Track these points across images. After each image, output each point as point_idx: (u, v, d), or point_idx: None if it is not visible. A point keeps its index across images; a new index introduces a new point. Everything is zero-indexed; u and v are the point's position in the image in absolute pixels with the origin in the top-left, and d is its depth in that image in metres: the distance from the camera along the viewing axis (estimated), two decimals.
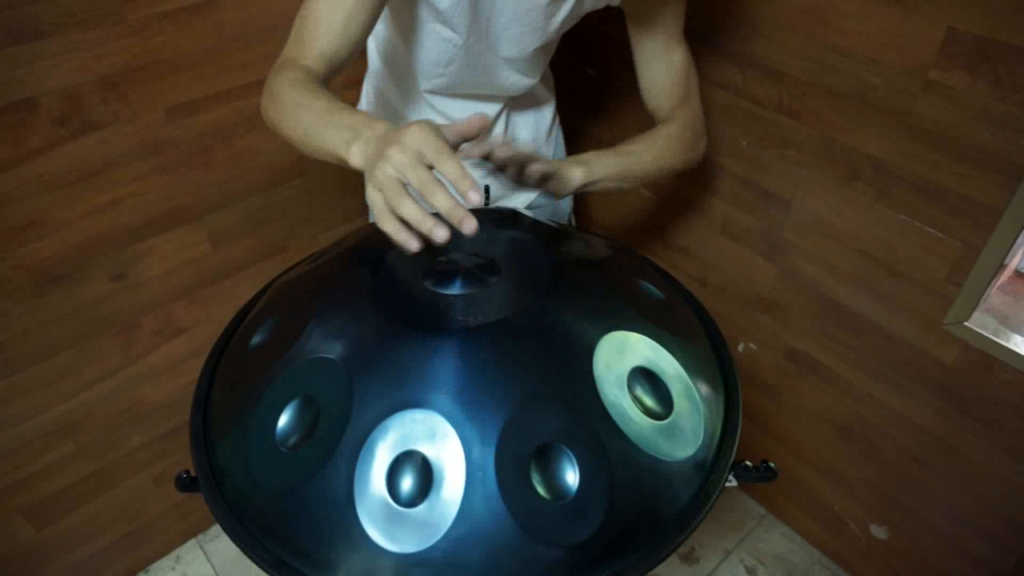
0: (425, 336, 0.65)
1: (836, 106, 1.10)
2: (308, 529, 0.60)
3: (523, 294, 0.71)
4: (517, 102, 1.11)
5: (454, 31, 0.89)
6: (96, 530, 1.41)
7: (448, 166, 0.58)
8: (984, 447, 1.17)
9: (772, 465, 0.76)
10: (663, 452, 0.64)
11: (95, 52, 0.99)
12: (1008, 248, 1.00)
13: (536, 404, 0.62)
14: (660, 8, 0.97)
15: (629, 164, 0.96)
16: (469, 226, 0.57)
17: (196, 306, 1.33)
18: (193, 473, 0.71)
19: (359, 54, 0.87)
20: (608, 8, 0.95)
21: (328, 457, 0.60)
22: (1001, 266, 1.03)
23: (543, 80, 1.11)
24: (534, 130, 1.15)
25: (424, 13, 0.88)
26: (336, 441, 0.60)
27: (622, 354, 0.67)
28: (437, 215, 0.59)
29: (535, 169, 0.86)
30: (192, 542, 1.62)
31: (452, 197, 0.58)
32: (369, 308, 0.69)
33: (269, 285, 0.87)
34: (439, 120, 0.98)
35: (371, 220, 0.79)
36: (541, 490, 0.59)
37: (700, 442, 0.67)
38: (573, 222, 1.33)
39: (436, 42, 0.92)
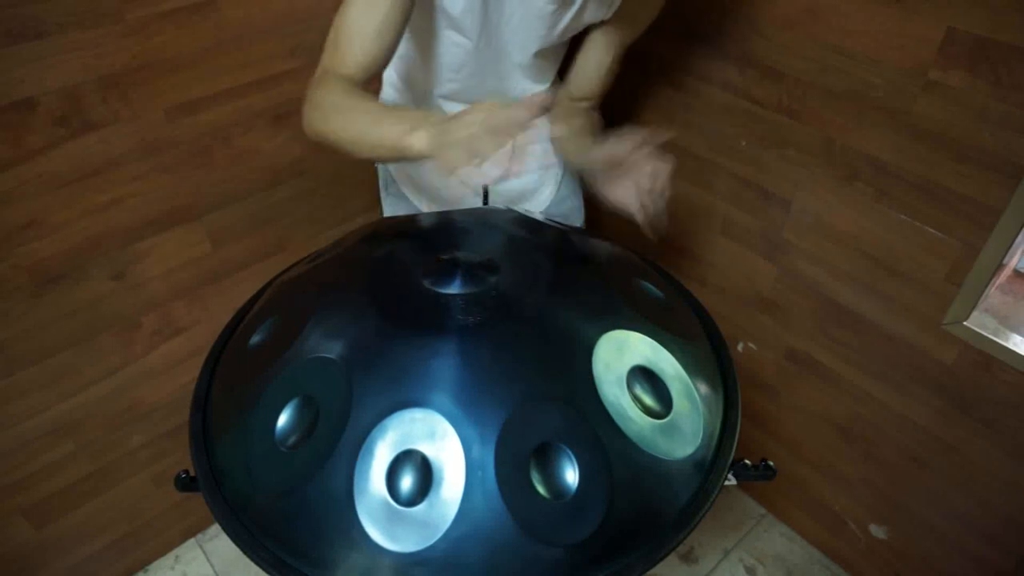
0: (425, 335, 0.65)
1: (836, 106, 1.10)
2: (308, 528, 0.60)
3: (523, 294, 0.71)
4: None
5: (465, 36, 0.91)
6: (96, 530, 1.41)
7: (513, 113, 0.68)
8: (984, 447, 1.17)
9: (771, 464, 0.76)
10: (662, 451, 0.64)
11: (95, 52, 0.99)
12: (1007, 248, 1.00)
13: (536, 403, 0.62)
14: (641, 11, 0.99)
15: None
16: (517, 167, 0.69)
17: (196, 306, 1.33)
18: (193, 473, 0.71)
19: None
20: None
21: (328, 456, 0.60)
22: (1000, 266, 1.03)
23: (553, 87, 1.12)
24: (540, 137, 1.16)
25: (437, 19, 0.90)
26: (336, 440, 0.60)
27: (622, 353, 0.67)
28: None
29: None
30: (192, 542, 1.62)
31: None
32: (369, 308, 0.69)
33: (268, 285, 0.87)
34: None
35: (369, 221, 0.81)
36: (541, 489, 0.59)
37: (699, 441, 0.67)
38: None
39: (448, 47, 0.94)
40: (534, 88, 1.04)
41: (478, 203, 1.13)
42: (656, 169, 0.87)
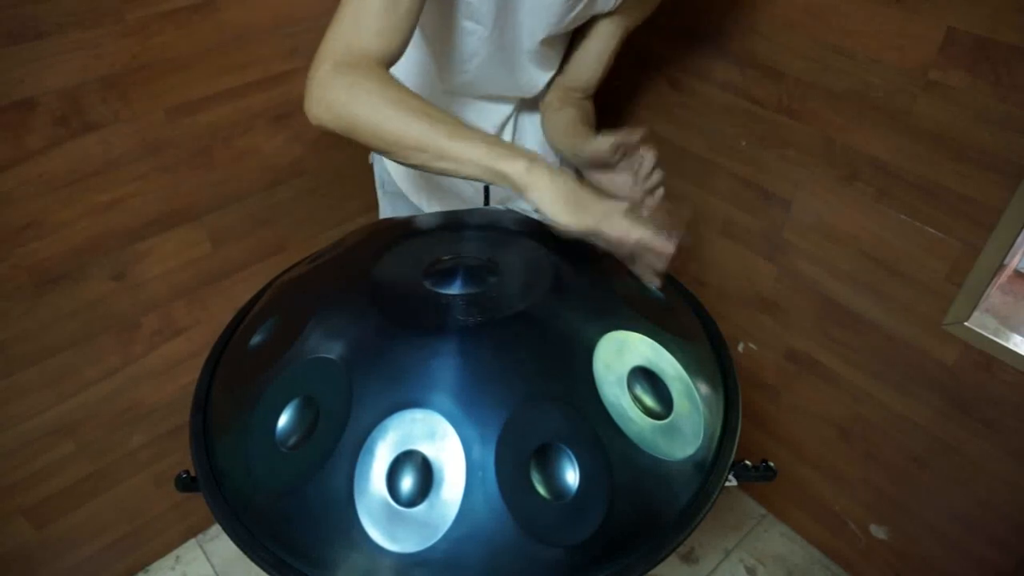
0: (425, 336, 0.65)
1: (836, 106, 1.10)
2: (308, 529, 0.60)
3: (523, 294, 0.71)
4: (527, 105, 1.12)
5: (479, 23, 0.89)
6: (96, 530, 1.41)
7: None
8: (984, 447, 1.17)
9: (772, 464, 0.76)
10: (663, 452, 0.64)
11: (95, 52, 0.99)
12: (1008, 248, 1.00)
13: (536, 404, 0.62)
14: (638, 6, 0.99)
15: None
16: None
17: (196, 306, 1.33)
18: (193, 473, 0.71)
19: None
20: None
21: (328, 457, 0.60)
22: (1001, 266, 1.03)
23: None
24: (540, 131, 1.16)
25: (452, 7, 0.88)
26: (336, 441, 0.60)
27: (622, 354, 0.67)
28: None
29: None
30: (192, 542, 1.62)
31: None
32: (369, 308, 0.69)
33: (269, 285, 0.87)
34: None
35: (369, 221, 0.80)
36: (541, 490, 0.59)
37: (700, 442, 0.67)
38: None
39: (460, 36, 0.92)
40: (542, 77, 1.04)
41: (479, 203, 1.13)
42: (643, 160, 0.87)
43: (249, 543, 0.62)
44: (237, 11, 1.10)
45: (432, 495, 0.58)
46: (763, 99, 1.19)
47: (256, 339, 0.75)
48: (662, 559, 0.61)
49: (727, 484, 0.68)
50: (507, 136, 1.12)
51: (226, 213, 1.27)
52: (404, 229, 0.86)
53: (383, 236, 0.84)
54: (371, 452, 0.59)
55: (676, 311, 0.80)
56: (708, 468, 0.67)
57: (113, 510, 1.42)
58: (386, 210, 1.23)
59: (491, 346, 0.65)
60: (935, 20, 0.94)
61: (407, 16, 0.76)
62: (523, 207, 1.15)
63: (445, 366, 0.63)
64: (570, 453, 0.60)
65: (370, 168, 1.24)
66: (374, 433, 0.60)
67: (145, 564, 1.56)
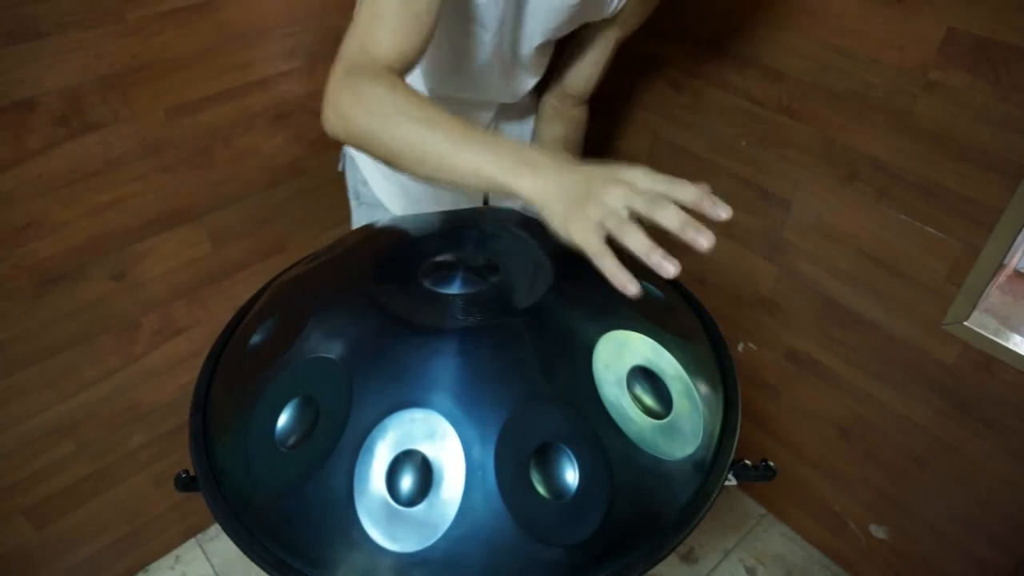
0: (425, 335, 0.65)
1: (836, 106, 1.10)
2: (308, 529, 0.60)
3: (523, 293, 0.71)
4: (506, 110, 1.12)
5: (485, 27, 0.87)
6: (96, 530, 1.41)
7: (685, 190, 0.56)
8: (984, 447, 1.17)
9: (771, 464, 0.76)
10: (663, 451, 0.64)
11: (95, 52, 0.99)
12: (1008, 248, 1.00)
13: (536, 403, 0.62)
14: (635, 14, 0.98)
15: None
16: (707, 240, 0.55)
17: (196, 306, 1.33)
18: (193, 473, 0.71)
19: None
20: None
21: (328, 456, 0.60)
22: (1001, 266, 1.03)
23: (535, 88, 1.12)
24: (519, 138, 1.17)
25: (461, 9, 0.85)
26: (336, 440, 0.60)
27: (621, 353, 0.67)
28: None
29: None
30: (192, 542, 1.62)
31: (683, 212, 0.55)
32: (369, 308, 0.69)
33: (268, 285, 0.87)
34: None
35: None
36: (541, 489, 0.59)
37: (699, 441, 0.67)
38: None
39: (463, 39, 0.90)
40: (531, 82, 1.03)
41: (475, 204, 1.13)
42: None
43: (249, 543, 0.62)
44: (237, 11, 1.10)
45: (432, 495, 0.58)
46: (763, 99, 1.20)
47: (256, 339, 0.75)
48: (662, 559, 0.61)
49: (727, 484, 0.68)
50: None
51: (226, 213, 1.27)
52: (404, 228, 0.86)
53: (383, 236, 0.84)
54: (371, 452, 0.59)
55: (676, 311, 0.80)
56: (708, 468, 0.67)
57: (113, 510, 1.42)
58: (360, 223, 1.17)
59: (491, 346, 0.65)
60: (935, 20, 0.94)
61: (425, 15, 0.72)
62: (524, 207, 1.15)
63: (445, 366, 0.63)
64: (570, 453, 0.60)
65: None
66: (374, 433, 0.60)
67: (145, 564, 1.56)
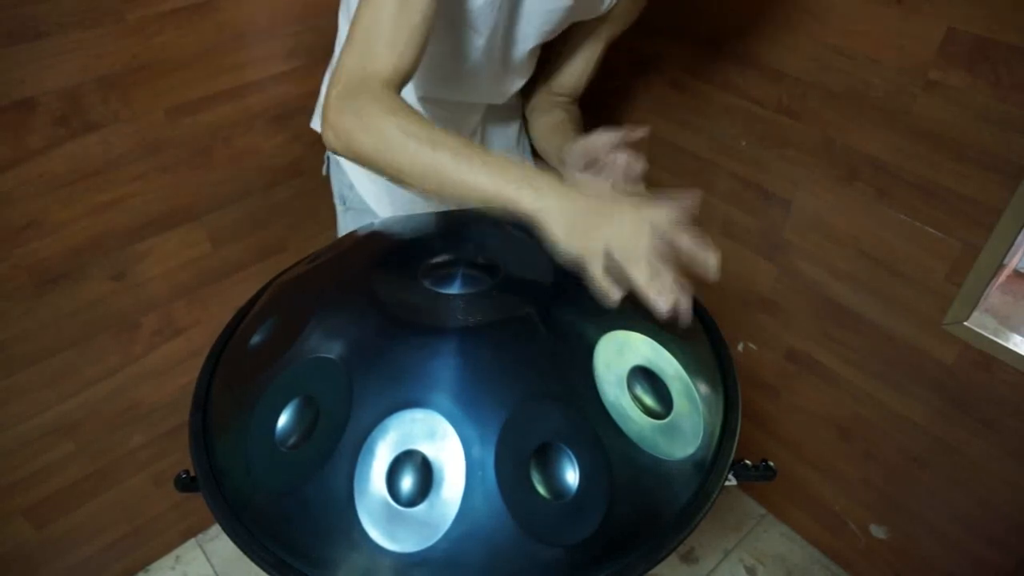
0: (425, 336, 0.65)
1: (836, 106, 1.10)
2: (308, 529, 0.60)
3: (523, 294, 0.71)
4: (493, 112, 1.12)
5: (479, 31, 0.87)
6: (96, 530, 1.41)
7: (707, 257, 0.66)
8: (984, 447, 1.17)
9: (771, 464, 0.76)
10: (663, 451, 0.64)
11: (95, 52, 0.99)
12: (1008, 248, 1.00)
13: (536, 403, 0.62)
14: (627, 12, 0.98)
15: None
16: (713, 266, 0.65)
17: (196, 306, 1.33)
18: (193, 473, 0.71)
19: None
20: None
21: (328, 457, 0.60)
22: (1001, 266, 1.03)
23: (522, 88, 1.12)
24: (505, 138, 1.17)
25: (453, 15, 0.85)
26: (336, 441, 0.60)
27: (622, 353, 0.67)
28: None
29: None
30: (192, 542, 1.62)
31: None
32: (369, 308, 0.69)
33: (268, 285, 0.87)
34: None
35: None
36: (541, 489, 0.59)
37: (700, 441, 0.67)
38: None
39: (455, 43, 0.89)
40: (519, 84, 1.03)
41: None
42: (629, 165, 0.82)
43: (249, 543, 0.62)
44: (237, 11, 1.10)
45: (432, 495, 0.58)
46: (763, 99, 1.20)
47: (256, 339, 0.75)
48: (662, 559, 0.61)
49: (727, 484, 0.68)
50: (475, 141, 1.10)
51: (226, 213, 1.27)
52: (404, 229, 0.86)
53: (383, 236, 0.84)
54: (371, 452, 0.59)
55: (676, 311, 0.80)
56: (708, 468, 0.67)
57: (113, 510, 1.42)
58: (347, 227, 1.16)
59: (491, 346, 0.65)
60: (935, 20, 0.94)
61: (421, 24, 0.73)
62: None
63: (445, 366, 0.63)
64: (570, 453, 0.60)
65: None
66: (374, 433, 0.60)
67: (145, 564, 1.56)
